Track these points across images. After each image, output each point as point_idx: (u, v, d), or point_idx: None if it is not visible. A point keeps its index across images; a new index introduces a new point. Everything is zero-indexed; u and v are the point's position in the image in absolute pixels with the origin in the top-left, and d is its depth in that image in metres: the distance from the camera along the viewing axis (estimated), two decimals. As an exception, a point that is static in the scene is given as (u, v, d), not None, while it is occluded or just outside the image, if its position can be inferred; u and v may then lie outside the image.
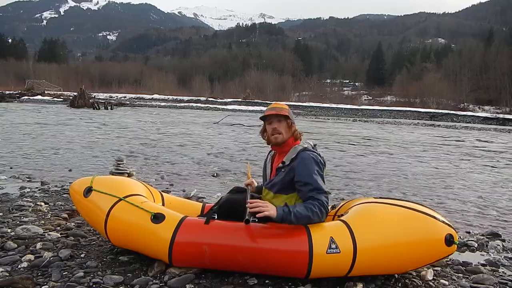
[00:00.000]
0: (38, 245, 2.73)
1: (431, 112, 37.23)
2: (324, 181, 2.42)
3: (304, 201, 2.37)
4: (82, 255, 2.63)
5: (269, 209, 2.25)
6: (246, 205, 2.30)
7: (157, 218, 2.38)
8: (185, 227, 2.34)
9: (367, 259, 2.22)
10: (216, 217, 2.44)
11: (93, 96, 37.32)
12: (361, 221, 2.34)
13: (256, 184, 2.88)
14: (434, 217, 2.37)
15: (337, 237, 2.21)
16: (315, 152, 2.50)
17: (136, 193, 2.65)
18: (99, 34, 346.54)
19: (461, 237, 3.56)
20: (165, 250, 2.30)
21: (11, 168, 6.12)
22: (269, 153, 2.79)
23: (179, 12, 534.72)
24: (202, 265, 2.35)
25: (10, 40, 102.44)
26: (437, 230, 2.32)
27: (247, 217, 2.23)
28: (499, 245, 3.37)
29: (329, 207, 2.90)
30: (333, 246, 2.18)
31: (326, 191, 2.37)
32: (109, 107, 28.59)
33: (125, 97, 50.65)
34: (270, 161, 2.72)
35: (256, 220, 2.40)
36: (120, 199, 2.53)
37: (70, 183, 3.57)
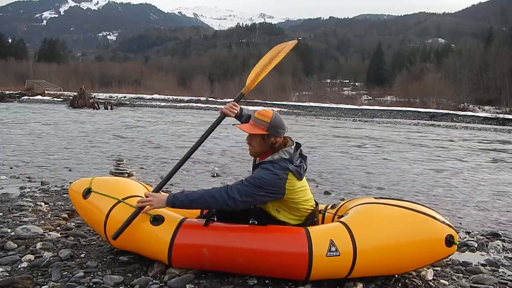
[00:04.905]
0: (38, 245, 2.73)
1: (431, 112, 37.31)
2: (269, 191, 2.26)
3: None
4: (82, 255, 2.63)
5: (155, 202, 2.34)
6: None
7: (157, 220, 2.38)
8: (185, 229, 2.34)
9: (367, 261, 2.22)
10: (215, 219, 2.44)
11: (93, 96, 37.37)
12: (361, 223, 2.33)
13: (236, 111, 2.72)
14: (434, 218, 2.36)
15: (337, 239, 2.20)
16: (280, 165, 2.30)
17: (135, 194, 2.64)
18: (99, 34, 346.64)
19: (461, 237, 3.56)
20: (165, 252, 2.30)
21: (11, 168, 6.12)
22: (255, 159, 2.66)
23: (179, 12, 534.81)
24: (202, 267, 2.35)
25: (10, 40, 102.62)
26: (437, 230, 2.32)
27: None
28: (499, 245, 3.37)
29: (315, 205, 2.58)
30: (333, 249, 2.17)
31: (248, 184, 2.24)
32: (109, 107, 28.57)
33: (125, 97, 50.79)
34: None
35: (256, 222, 2.38)
36: (119, 201, 2.53)
37: (70, 183, 3.57)
